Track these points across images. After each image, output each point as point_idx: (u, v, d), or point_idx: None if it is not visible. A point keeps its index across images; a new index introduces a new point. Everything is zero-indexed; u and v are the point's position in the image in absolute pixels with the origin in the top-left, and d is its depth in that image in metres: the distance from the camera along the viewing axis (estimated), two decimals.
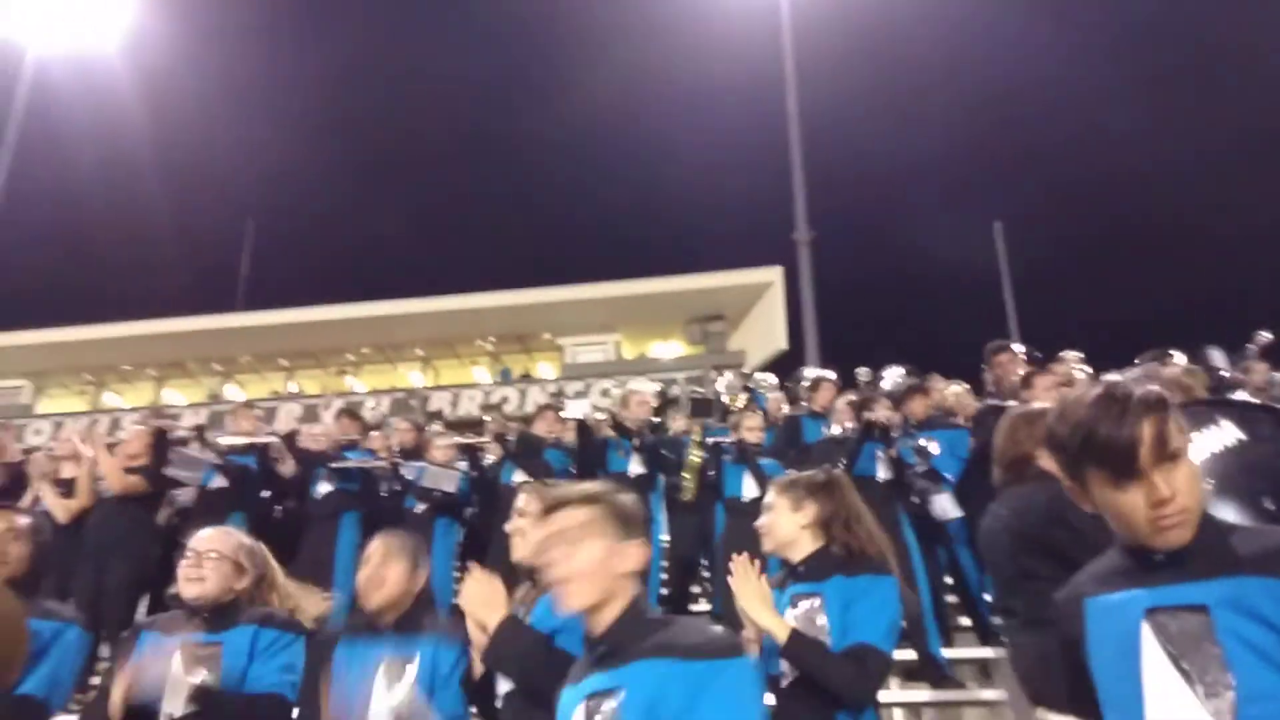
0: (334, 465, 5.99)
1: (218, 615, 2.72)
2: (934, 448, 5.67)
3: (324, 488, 6.00)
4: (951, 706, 5.36)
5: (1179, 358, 5.37)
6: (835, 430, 6.26)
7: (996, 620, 6.00)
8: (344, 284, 24.93)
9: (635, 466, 6.27)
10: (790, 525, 2.61)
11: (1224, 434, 2.42)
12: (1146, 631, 1.48)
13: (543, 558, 1.75)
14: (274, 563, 2.94)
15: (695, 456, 6.19)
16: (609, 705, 1.59)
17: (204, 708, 2.51)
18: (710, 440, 6.20)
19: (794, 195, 16.77)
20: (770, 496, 2.70)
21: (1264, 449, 2.42)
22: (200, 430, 6.51)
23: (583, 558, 1.70)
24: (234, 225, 26.98)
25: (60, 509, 5.60)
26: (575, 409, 6.28)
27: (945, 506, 5.61)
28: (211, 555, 2.77)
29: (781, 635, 2.38)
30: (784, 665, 2.44)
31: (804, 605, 2.49)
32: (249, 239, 26.28)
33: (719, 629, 1.68)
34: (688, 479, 6.16)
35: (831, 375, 7.54)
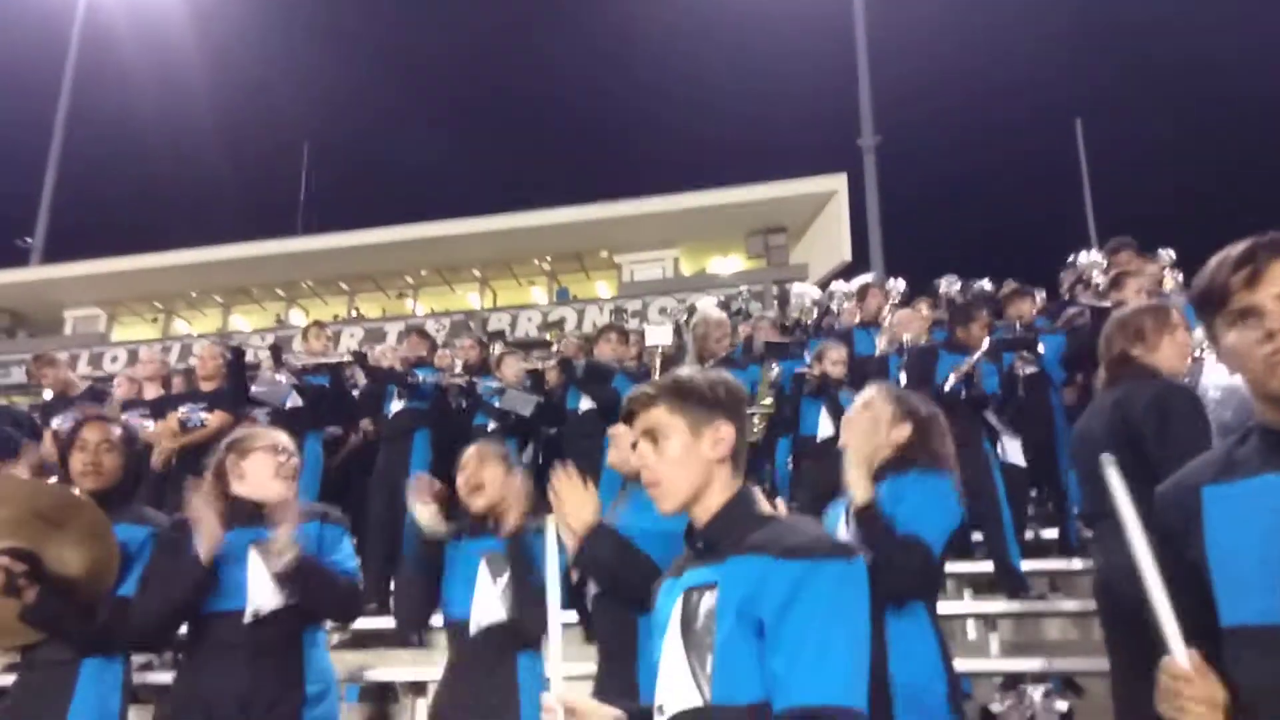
0: (411, 381, 6.01)
1: (274, 510, 2.76)
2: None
3: (396, 405, 6.03)
4: (1029, 618, 5.27)
5: None
6: (906, 338, 6.03)
7: (1087, 533, 5.91)
8: (400, 206, 24.97)
9: None
10: (883, 434, 2.63)
11: None
12: None
13: (635, 464, 1.70)
14: None
15: (767, 400, 5.95)
16: (705, 600, 1.53)
17: (298, 573, 2.64)
18: (795, 370, 5.98)
19: (859, 98, 16.11)
20: (876, 397, 2.71)
21: None
22: (276, 350, 6.57)
23: (666, 456, 1.63)
24: (291, 149, 27.11)
25: (156, 439, 5.65)
26: (656, 335, 6.05)
27: (1011, 451, 5.48)
28: (295, 458, 2.89)
29: (862, 496, 2.46)
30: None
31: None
32: (307, 162, 26.41)
33: (825, 530, 1.59)
34: (756, 423, 5.93)
35: (870, 279, 7.30)
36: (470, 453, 3.04)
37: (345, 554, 2.88)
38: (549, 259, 24.37)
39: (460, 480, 2.98)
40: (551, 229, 22.30)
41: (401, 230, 22.85)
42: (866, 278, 7.45)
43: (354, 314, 24.57)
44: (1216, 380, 3.89)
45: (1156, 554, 1.52)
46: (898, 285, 7.48)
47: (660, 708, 1.57)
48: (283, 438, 2.90)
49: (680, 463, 1.63)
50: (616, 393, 5.80)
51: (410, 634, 2.91)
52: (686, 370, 1.73)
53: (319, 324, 6.90)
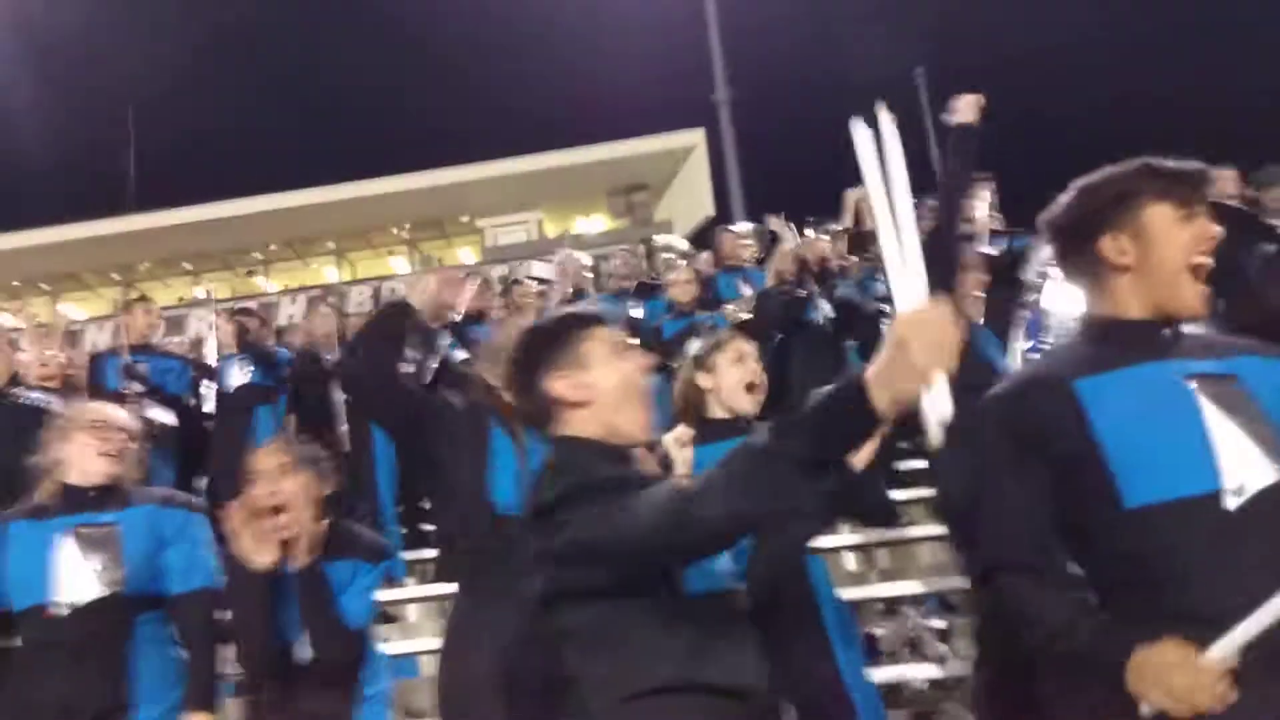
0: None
1: (106, 494, 2.51)
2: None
3: (240, 378, 5.63)
4: (903, 545, 5.48)
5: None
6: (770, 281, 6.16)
7: None
8: (243, 176, 23.40)
9: None
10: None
11: None
12: (1199, 393, 1.53)
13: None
14: None
15: None
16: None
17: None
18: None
19: (711, 53, 16.20)
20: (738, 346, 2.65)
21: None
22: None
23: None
24: (115, 116, 24.87)
25: None
26: (539, 269, 5.90)
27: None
28: (127, 434, 2.59)
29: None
30: None
31: None
32: (133, 130, 24.33)
33: None
34: None
35: (733, 226, 7.44)
36: (264, 456, 2.49)
37: (198, 552, 2.56)
38: (408, 227, 23.56)
39: (257, 493, 2.44)
40: (406, 195, 21.52)
41: (245, 203, 21.51)
42: (723, 227, 7.54)
43: (200, 296, 23.06)
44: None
45: (1013, 454, 1.61)
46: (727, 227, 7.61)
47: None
48: (108, 412, 2.62)
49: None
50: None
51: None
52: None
53: (144, 299, 6.32)
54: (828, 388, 1.32)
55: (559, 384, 1.64)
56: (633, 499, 1.40)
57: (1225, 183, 6.12)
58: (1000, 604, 1.64)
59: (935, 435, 1.27)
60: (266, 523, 2.33)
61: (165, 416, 5.48)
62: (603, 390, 1.63)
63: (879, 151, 1.38)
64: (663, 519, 1.35)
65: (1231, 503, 1.47)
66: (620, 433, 1.64)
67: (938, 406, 1.25)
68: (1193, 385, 1.53)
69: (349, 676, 2.46)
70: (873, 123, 1.40)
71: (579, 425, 1.63)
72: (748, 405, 2.57)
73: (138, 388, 5.38)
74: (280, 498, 2.39)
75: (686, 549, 1.43)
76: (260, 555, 2.31)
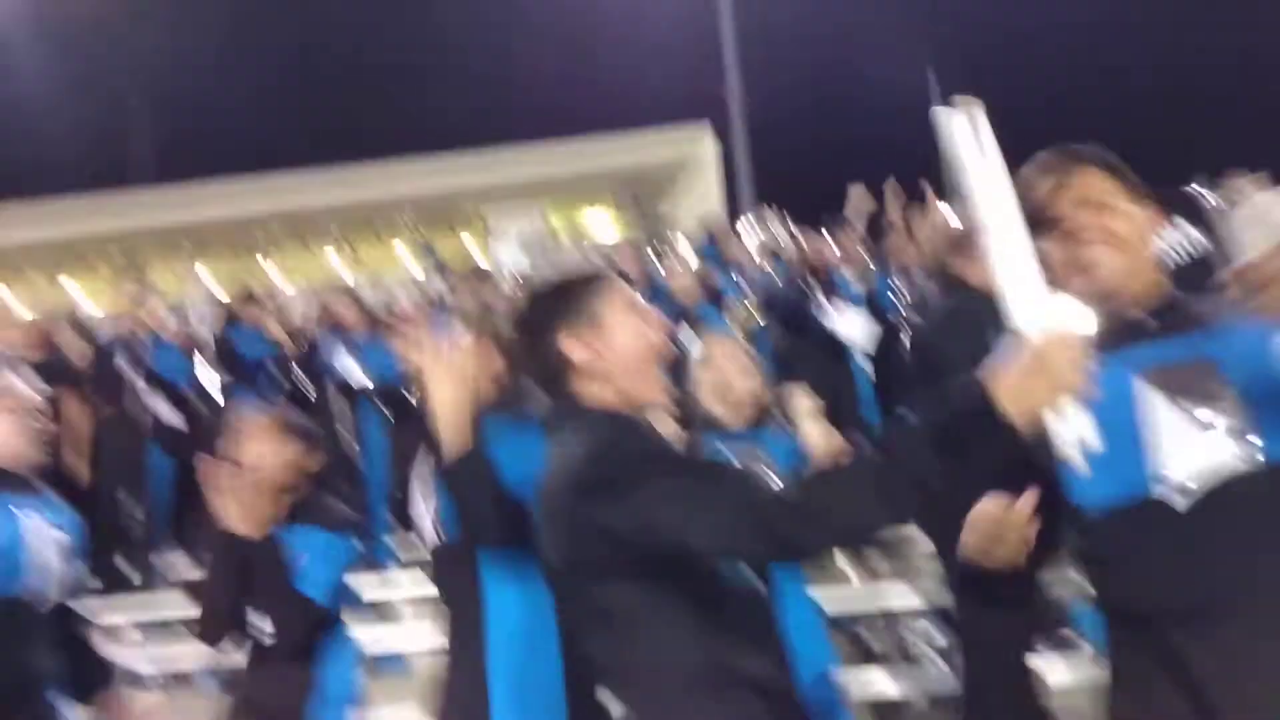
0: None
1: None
2: None
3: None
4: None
5: None
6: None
7: None
8: (244, 154, 23.19)
9: None
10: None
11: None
12: (1145, 386, 1.46)
13: None
14: None
15: None
16: None
17: None
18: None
19: (725, 49, 16.06)
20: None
21: None
22: None
23: None
24: (116, 87, 24.56)
25: None
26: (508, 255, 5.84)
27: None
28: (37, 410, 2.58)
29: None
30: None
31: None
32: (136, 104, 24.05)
33: None
34: None
35: (738, 228, 7.54)
36: (247, 417, 2.55)
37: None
38: (411, 212, 23.34)
39: (234, 452, 2.53)
40: (412, 179, 21.29)
41: (249, 181, 21.28)
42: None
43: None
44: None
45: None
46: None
47: None
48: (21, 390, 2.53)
49: None
50: None
51: None
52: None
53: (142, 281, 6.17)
54: (935, 396, 1.26)
55: (571, 343, 1.54)
56: (709, 486, 1.35)
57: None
58: None
59: (1073, 455, 1.25)
60: (240, 483, 2.30)
61: (165, 411, 5.32)
62: (618, 351, 1.55)
63: (972, 145, 1.29)
64: (755, 524, 1.29)
65: (1180, 502, 1.40)
66: (635, 396, 1.56)
67: (1076, 427, 1.23)
68: (1141, 380, 1.47)
69: (310, 660, 2.40)
70: (955, 115, 1.28)
71: (591, 388, 1.55)
72: (722, 413, 2.68)
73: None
74: (254, 460, 2.37)
75: (771, 557, 1.44)
76: (233, 517, 2.26)
